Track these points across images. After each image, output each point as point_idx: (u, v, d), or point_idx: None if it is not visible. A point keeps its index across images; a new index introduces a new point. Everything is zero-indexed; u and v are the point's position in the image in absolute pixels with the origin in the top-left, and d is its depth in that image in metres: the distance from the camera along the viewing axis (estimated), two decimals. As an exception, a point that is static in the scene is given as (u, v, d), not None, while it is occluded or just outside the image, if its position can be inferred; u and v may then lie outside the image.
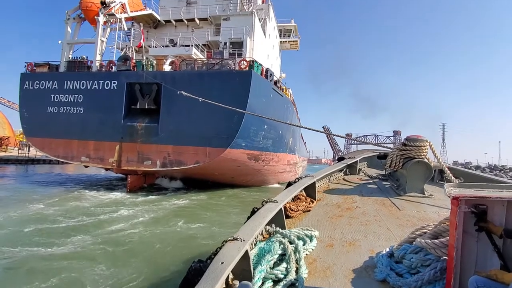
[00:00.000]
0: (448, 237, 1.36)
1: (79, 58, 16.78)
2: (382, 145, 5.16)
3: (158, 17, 20.41)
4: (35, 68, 17.00)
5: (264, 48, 22.37)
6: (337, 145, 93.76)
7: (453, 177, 3.69)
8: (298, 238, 1.95)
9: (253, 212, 2.22)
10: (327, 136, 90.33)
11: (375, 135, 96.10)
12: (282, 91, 18.61)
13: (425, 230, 1.66)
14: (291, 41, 31.80)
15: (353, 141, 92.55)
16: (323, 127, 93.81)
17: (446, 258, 1.34)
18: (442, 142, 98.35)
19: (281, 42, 30.46)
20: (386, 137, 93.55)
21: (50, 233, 7.48)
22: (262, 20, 22.57)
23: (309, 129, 6.10)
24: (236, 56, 17.79)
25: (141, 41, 16.38)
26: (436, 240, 1.46)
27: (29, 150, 30.97)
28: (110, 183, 18.09)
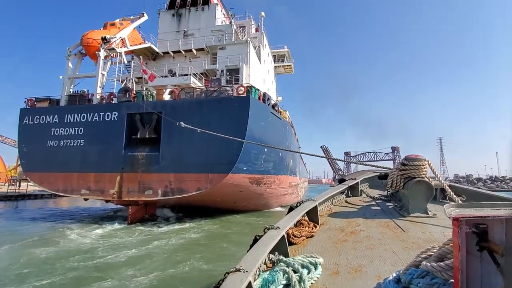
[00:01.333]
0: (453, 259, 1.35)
1: (80, 91, 17.17)
2: (376, 165, 5.19)
3: (157, 50, 21.22)
4: (35, 103, 17.30)
5: (259, 74, 23.07)
6: (337, 164, 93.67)
7: (454, 195, 3.66)
8: (303, 267, 1.90)
9: (255, 240, 2.19)
10: (326, 155, 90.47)
11: (373, 152, 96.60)
12: (280, 114, 18.94)
13: (431, 253, 1.64)
14: (285, 65, 32.97)
15: (352, 159, 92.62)
16: (321, 147, 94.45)
17: (453, 281, 1.32)
18: (440, 156, 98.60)
19: (275, 67, 31.54)
20: (385, 153, 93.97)
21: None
22: (257, 48, 23.51)
23: (309, 154, 6.18)
24: (234, 82, 18.29)
25: (148, 73, 16.81)
26: (441, 263, 1.44)
27: (19, 185, 30.19)
28: (107, 215, 17.51)
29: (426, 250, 1.67)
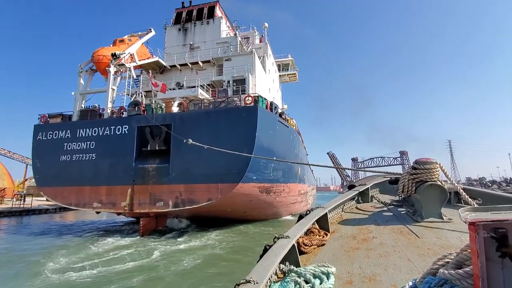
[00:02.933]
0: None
1: (92, 106, 17.60)
2: (385, 171, 5.12)
3: (164, 63, 21.71)
4: (48, 119, 17.78)
5: (265, 83, 23.32)
6: (344, 170, 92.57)
7: (469, 199, 3.58)
8: (314, 276, 1.84)
9: (265, 250, 2.13)
10: (333, 162, 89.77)
11: (381, 157, 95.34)
12: (287, 122, 19.01)
13: (448, 259, 1.55)
14: (290, 74, 33.29)
15: (360, 165, 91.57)
16: (327, 153, 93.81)
17: None
18: (451, 159, 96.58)
19: (280, 75, 31.86)
20: (393, 158, 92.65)
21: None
22: (261, 58, 23.86)
23: (318, 165, 6.16)
24: (240, 92, 18.52)
25: (158, 85, 17.08)
26: (460, 270, 1.36)
27: (24, 200, 29.96)
28: (114, 229, 17.13)
29: (443, 257, 1.60)
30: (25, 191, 37.35)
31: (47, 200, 34.59)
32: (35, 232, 16.43)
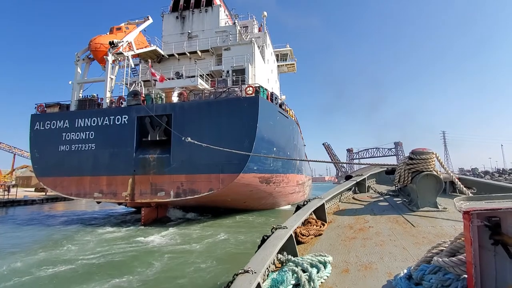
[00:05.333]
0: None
1: (90, 96, 17.34)
2: (380, 163, 5.20)
3: (162, 52, 21.35)
4: (45, 109, 17.49)
5: (264, 73, 23.16)
6: (340, 160, 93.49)
7: (464, 188, 3.65)
8: (312, 266, 1.87)
9: (263, 240, 2.16)
10: (328, 153, 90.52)
11: (376, 148, 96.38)
12: (287, 113, 19.05)
13: (442, 248, 1.58)
14: (288, 64, 33.02)
15: (355, 156, 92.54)
16: (323, 144, 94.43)
17: (466, 276, 1.28)
18: (444, 150, 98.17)
19: (278, 66, 31.60)
20: (388, 149, 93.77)
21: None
22: (261, 47, 23.59)
23: (317, 161, 6.26)
24: (240, 82, 18.40)
25: (157, 75, 16.85)
26: (453, 258, 1.39)
27: (9, 191, 29.43)
28: (114, 219, 16.70)
29: (437, 245, 1.64)
30: (13, 182, 36.67)
31: (35, 190, 34.20)
32: (19, 224, 15.83)
